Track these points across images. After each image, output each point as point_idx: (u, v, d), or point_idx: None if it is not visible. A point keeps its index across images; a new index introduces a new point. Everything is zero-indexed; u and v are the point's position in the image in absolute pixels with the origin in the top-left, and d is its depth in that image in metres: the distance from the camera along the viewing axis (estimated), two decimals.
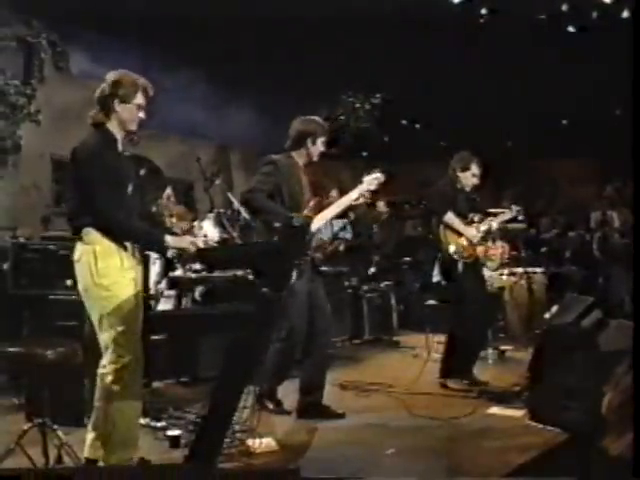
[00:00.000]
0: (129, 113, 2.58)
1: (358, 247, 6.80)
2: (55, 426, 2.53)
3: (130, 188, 2.57)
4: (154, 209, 5.46)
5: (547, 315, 5.69)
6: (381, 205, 7.25)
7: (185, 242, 2.56)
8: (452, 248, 4.35)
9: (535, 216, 10.63)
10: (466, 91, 10.09)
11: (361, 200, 3.56)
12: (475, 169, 4.44)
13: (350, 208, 4.01)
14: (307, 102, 10.36)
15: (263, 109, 10.30)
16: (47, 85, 7.28)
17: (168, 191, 5.43)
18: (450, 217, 4.33)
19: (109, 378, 2.36)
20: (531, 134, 10.93)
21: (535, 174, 11.67)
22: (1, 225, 6.61)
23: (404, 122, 11.97)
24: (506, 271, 6.03)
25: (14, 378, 3.57)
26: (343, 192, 12.10)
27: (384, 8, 8.23)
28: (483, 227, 4.40)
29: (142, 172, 3.69)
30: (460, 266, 4.32)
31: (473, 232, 4.36)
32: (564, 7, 7.96)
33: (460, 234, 4.36)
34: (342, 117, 11.26)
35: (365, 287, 5.87)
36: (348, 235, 6.72)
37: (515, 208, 4.75)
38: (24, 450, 2.46)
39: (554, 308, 5.93)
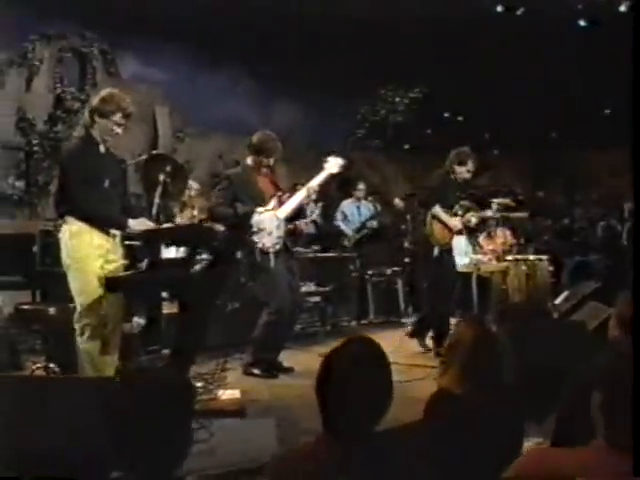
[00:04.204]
0: (104, 127, 3.18)
1: (384, 236, 7.31)
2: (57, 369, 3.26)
3: (107, 183, 3.20)
4: (180, 200, 6.20)
5: (557, 301, 6.06)
6: (397, 201, 7.65)
7: (144, 226, 3.21)
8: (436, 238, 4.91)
9: (570, 206, 10.76)
10: (509, 83, 10.27)
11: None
12: (470, 165, 4.99)
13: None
14: (348, 97, 10.85)
15: (306, 105, 10.83)
16: (99, 90, 8.07)
17: (193, 185, 6.12)
18: (437, 210, 4.91)
19: (77, 332, 3.05)
20: (574, 124, 10.96)
21: (577, 164, 11.70)
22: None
23: (446, 115, 12.24)
24: (508, 257, 6.36)
25: (45, 342, 4.33)
26: (386, 182, 12.37)
27: (423, 6, 8.59)
28: (463, 220, 4.91)
29: (168, 169, 4.38)
30: (436, 251, 4.85)
31: (454, 222, 4.93)
32: None
33: (444, 224, 4.92)
34: (382, 111, 11.70)
35: (370, 272, 6.37)
36: (375, 224, 7.26)
37: (496, 203, 5.17)
38: None
39: (565, 293, 6.30)
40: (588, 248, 8.83)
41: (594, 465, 1.34)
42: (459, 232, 5.03)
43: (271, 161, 4.19)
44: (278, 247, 3.99)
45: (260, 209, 4.01)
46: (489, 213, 5.25)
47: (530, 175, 11.93)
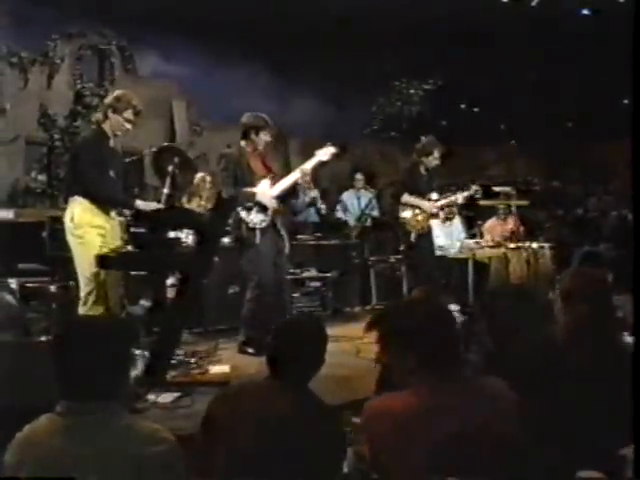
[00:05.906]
0: (116, 122, 3.53)
1: (386, 223, 7.46)
2: None
3: (112, 172, 3.51)
4: (188, 190, 6.43)
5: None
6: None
7: (151, 207, 3.48)
8: (406, 215, 5.28)
9: (585, 196, 10.76)
10: (525, 73, 10.31)
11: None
12: (436, 154, 5.32)
13: None
14: (364, 89, 10.99)
15: (322, 97, 11.01)
16: (117, 86, 8.33)
17: (199, 175, 6.35)
18: (405, 197, 5.29)
19: (81, 301, 3.34)
20: (591, 115, 10.91)
21: (593, 154, 11.64)
22: None
23: (463, 106, 12.28)
24: (510, 245, 6.47)
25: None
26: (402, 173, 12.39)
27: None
28: (443, 201, 5.13)
29: (176, 160, 4.63)
30: (413, 236, 5.18)
31: (427, 204, 5.25)
32: None
33: (416, 209, 5.28)
34: (397, 103, 11.81)
35: (373, 258, 6.54)
36: (375, 212, 7.42)
37: (474, 187, 5.45)
38: None
39: None
40: (599, 238, 8.88)
41: (416, 404, 1.62)
42: (434, 216, 5.24)
43: (261, 141, 4.35)
44: (265, 225, 4.21)
45: (247, 189, 4.22)
46: (461, 196, 5.43)
47: (546, 165, 11.92)
